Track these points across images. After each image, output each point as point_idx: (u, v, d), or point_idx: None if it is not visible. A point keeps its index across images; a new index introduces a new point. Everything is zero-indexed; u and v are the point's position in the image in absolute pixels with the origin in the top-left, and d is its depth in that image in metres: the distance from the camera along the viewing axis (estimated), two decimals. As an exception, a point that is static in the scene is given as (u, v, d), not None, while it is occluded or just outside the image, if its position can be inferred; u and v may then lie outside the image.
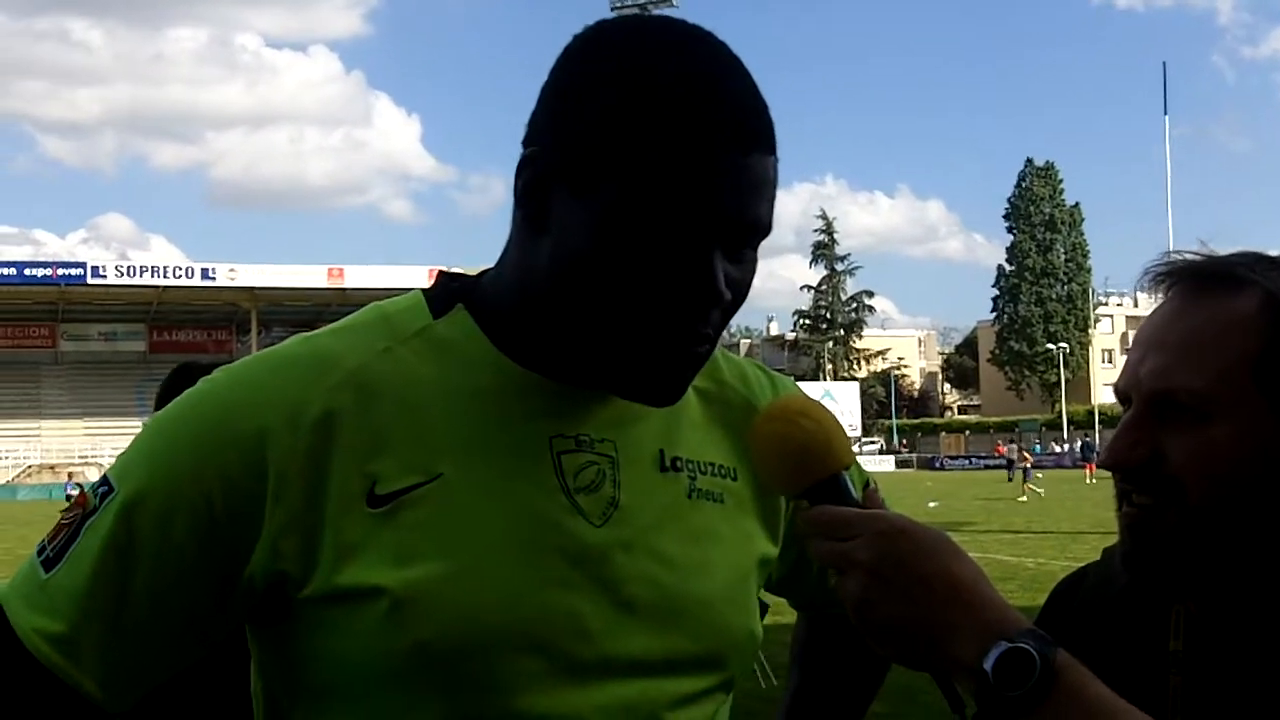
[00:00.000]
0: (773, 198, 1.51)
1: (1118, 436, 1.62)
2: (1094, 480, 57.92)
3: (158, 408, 6.90)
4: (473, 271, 1.66)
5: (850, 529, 1.40)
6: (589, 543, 1.53)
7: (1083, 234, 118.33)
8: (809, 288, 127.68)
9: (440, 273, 1.69)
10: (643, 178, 1.43)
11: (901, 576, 1.36)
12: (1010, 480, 59.50)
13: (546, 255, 1.51)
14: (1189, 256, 1.65)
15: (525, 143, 1.54)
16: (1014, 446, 71.73)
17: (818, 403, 1.53)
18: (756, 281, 1.49)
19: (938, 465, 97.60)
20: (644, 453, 1.62)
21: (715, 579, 1.61)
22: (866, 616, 1.38)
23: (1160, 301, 1.65)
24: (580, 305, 1.49)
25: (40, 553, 1.53)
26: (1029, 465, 55.29)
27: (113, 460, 1.62)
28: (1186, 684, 1.65)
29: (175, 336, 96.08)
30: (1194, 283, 1.62)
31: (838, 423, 1.50)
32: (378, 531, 1.47)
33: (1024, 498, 45.96)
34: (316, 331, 1.60)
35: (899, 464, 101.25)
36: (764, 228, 1.50)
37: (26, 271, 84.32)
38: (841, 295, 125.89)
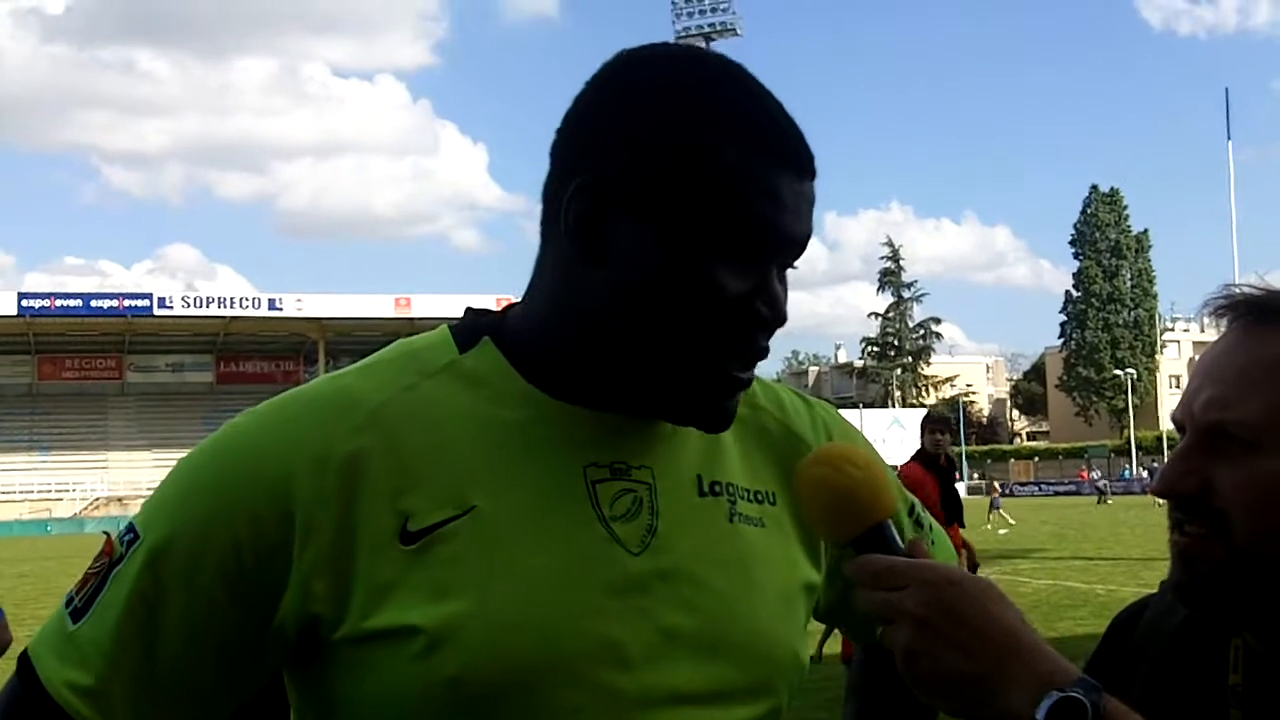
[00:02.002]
0: (813, 220, 1.54)
1: (1169, 465, 1.61)
2: (1161, 505, 58.02)
3: None
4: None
5: (897, 579, 1.37)
6: (628, 572, 1.50)
7: (1149, 260, 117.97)
8: (876, 315, 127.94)
9: (467, 309, 1.67)
10: (711, 202, 1.44)
11: (950, 626, 1.33)
12: (1098, 503, 60.16)
13: (605, 286, 1.48)
14: (1248, 290, 1.65)
15: (565, 170, 1.52)
16: (1097, 474, 73.69)
17: (866, 448, 1.52)
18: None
19: (1007, 492, 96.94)
20: (683, 478, 1.59)
21: (759, 604, 1.58)
22: (915, 667, 1.35)
23: (1220, 334, 1.65)
24: (646, 334, 1.47)
25: (68, 603, 1.51)
26: (997, 495, 57.32)
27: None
28: (1247, 718, 1.63)
29: (243, 367, 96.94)
30: (1251, 316, 1.62)
31: (885, 468, 1.48)
32: (411, 569, 1.44)
33: (989, 526, 46.62)
34: (343, 370, 1.58)
35: (970, 490, 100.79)
36: (806, 246, 1.53)
37: (93, 303, 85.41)
38: (909, 322, 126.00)
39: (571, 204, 1.48)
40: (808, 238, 1.51)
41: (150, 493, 1.51)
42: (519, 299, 1.63)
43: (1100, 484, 72.17)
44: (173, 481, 1.52)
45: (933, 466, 11.57)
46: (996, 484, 65.20)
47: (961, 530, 11.85)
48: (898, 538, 1.43)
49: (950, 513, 11.51)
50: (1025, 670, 1.32)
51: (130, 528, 1.51)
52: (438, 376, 1.55)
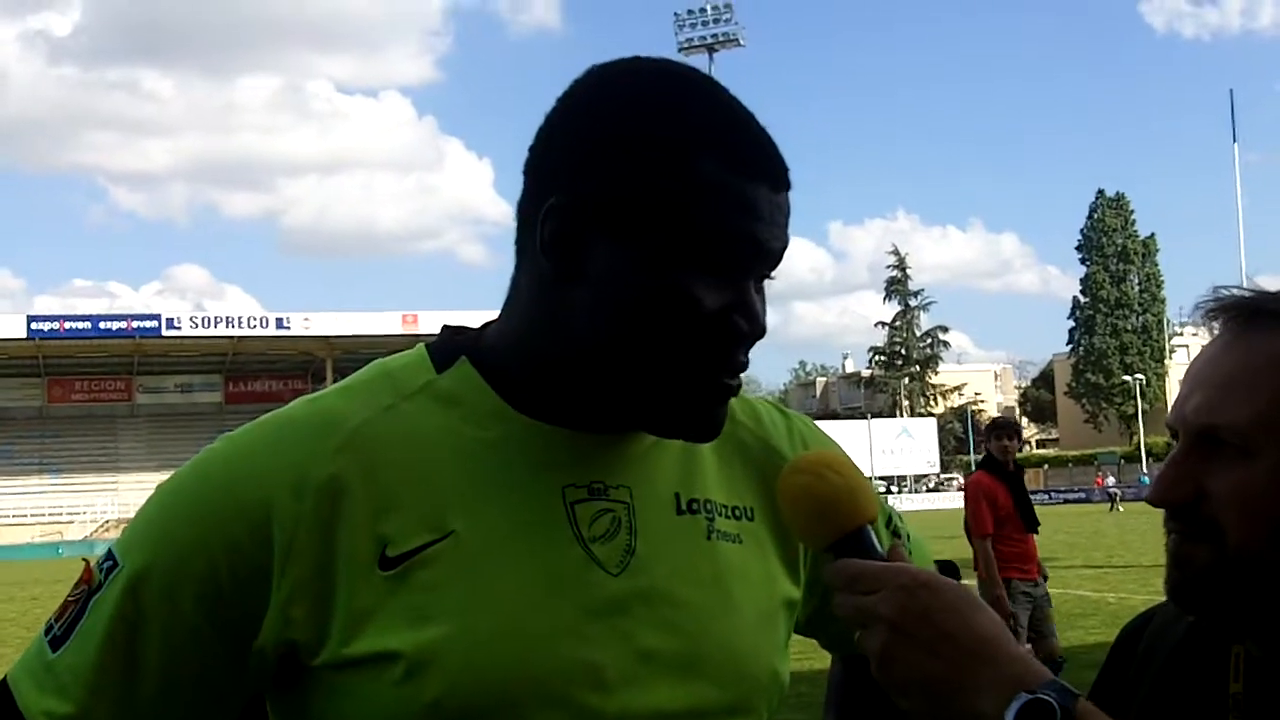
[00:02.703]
0: (788, 232, 1.54)
1: (1163, 473, 1.61)
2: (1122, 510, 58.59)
3: None
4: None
5: (873, 583, 1.38)
6: (607, 593, 1.50)
7: (1156, 264, 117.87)
8: (883, 324, 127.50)
9: (444, 326, 1.67)
10: (685, 217, 1.44)
11: (924, 631, 1.34)
12: (1110, 510, 60.10)
13: (584, 304, 1.48)
14: (1237, 292, 1.65)
15: (539, 188, 1.52)
16: (1112, 480, 73.91)
17: (844, 456, 1.53)
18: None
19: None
20: (661, 497, 1.59)
21: (737, 623, 1.58)
22: (889, 671, 1.36)
23: (1210, 338, 1.65)
24: (626, 350, 1.47)
25: (48, 631, 1.51)
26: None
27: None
28: None
29: (251, 386, 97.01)
30: (1241, 319, 1.62)
31: (863, 476, 1.49)
32: (391, 595, 1.44)
33: None
34: (321, 392, 1.58)
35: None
36: (782, 259, 1.53)
37: (102, 325, 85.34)
38: (916, 331, 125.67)
39: (546, 222, 1.48)
40: (784, 249, 1.51)
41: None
42: (501, 308, 1.62)
43: (1112, 490, 72.21)
44: (151, 507, 1.52)
45: (1002, 473, 11.36)
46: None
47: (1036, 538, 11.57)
48: (877, 544, 1.43)
49: (1026, 520, 11.29)
50: (996, 674, 1.32)
51: (109, 555, 1.51)
52: (415, 397, 1.55)
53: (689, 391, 1.49)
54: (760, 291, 1.51)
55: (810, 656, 1.72)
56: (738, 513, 1.65)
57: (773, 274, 1.53)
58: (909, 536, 1.89)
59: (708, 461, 1.66)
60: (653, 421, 1.53)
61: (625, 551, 1.53)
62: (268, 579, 1.44)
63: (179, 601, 1.45)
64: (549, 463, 1.54)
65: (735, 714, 1.57)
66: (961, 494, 12.40)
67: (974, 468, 13.58)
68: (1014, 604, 11.05)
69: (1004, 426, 11.87)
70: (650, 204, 1.45)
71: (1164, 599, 1.79)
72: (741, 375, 1.54)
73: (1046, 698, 1.29)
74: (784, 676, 1.65)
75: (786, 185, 1.51)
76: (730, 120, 1.50)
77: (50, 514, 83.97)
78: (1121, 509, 55.77)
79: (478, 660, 1.43)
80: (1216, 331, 1.65)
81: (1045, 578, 11.78)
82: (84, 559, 1.56)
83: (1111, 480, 77.56)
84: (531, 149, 1.55)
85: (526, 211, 1.53)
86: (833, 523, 1.43)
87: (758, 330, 1.49)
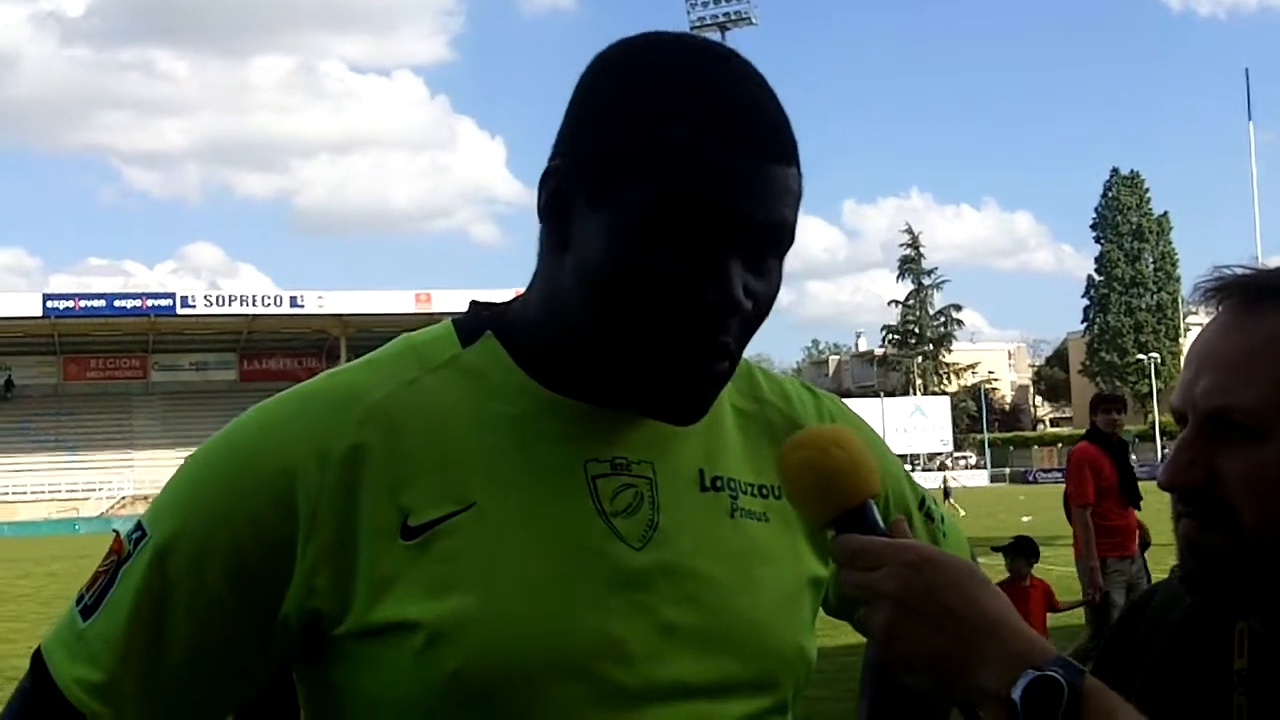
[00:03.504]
0: (793, 207, 1.48)
1: (1173, 457, 1.60)
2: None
3: None
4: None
5: (876, 559, 1.36)
6: (629, 566, 1.51)
7: (1171, 243, 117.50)
8: (896, 303, 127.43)
9: (472, 302, 1.69)
10: (657, 183, 1.42)
11: (928, 607, 1.33)
12: None
13: (569, 271, 1.49)
14: (1238, 271, 1.63)
15: (550, 160, 1.54)
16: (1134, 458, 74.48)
17: (849, 431, 1.49)
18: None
19: (1030, 479, 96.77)
20: (684, 473, 1.59)
21: (761, 598, 1.58)
22: (893, 648, 1.35)
23: (1212, 317, 1.64)
24: (602, 319, 1.47)
25: (79, 601, 1.53)
26: (949, 484, 57.78)
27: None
28: (1251, 703, 1.62)
29: (266, 364, 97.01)
30: (1244, 298, 1.60)
31: (867, 451, 1.46)
32: (412, 564, 1.46)
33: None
34: (345, 366, 1.60)
35: (993, 479, 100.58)
36: (783, 236, 1.49)
37: (116, 303, 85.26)
38: (929, 309, 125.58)
39: (542, 188, 1.51)
40: (775, 225, 1.47)
41: (173, 491, 1.62)
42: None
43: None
44: (179, 479, 1.56)
45: (1107, 445, 11.34)
46: (949, 474, 65.50)
47: (1138, 513, 11.57)
48: (879, 519, 1.41)
49: (1129, 494, 11.29)
50: (1001, 650, 1.30)
51: (139, 525, 1.53)
52: (439, 371, 1.56)
53: (666, 371, 1.48)
54: (761, 270, 1.48)
55: (825, 634, 1.71)
56: (764, 491, 1.65)
57: (774, 250, 1.50)
58: (943, 520, 1.91)
59: (733, 440, 1.66)
60: (634, 397, 1.52)
61: (648, 526, 1.53)
62: (292, 549, 1.46)
63: (205, 571, 1.47)
64: (571, 437, 1.54)
65: (759, 689, 1.57)
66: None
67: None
68: (1108, 582, 11.03)
69: (1109, 400, 11.90)
70: (619, 168, 1.44)
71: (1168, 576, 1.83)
72: (728, 359, 1.51)
73: (1053, 674, 1.28)
74: (811, 653, 1.64)
75: (780, 157, 1.47)
76: (720, 88, 1.46)
77: (66, 490, 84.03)
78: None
79: (498, 632, 1.44)
80: (1219, 312, 1.63)
81: (1147, 545, 11.76)
82: (114, 530, 1.66)
83: (1135, 458, 78.15)
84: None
85: (539, 180, 1.54)
86: (835, 498, 1.41)
87: (730, 304, 1.45)
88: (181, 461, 1.53)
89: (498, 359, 1.57)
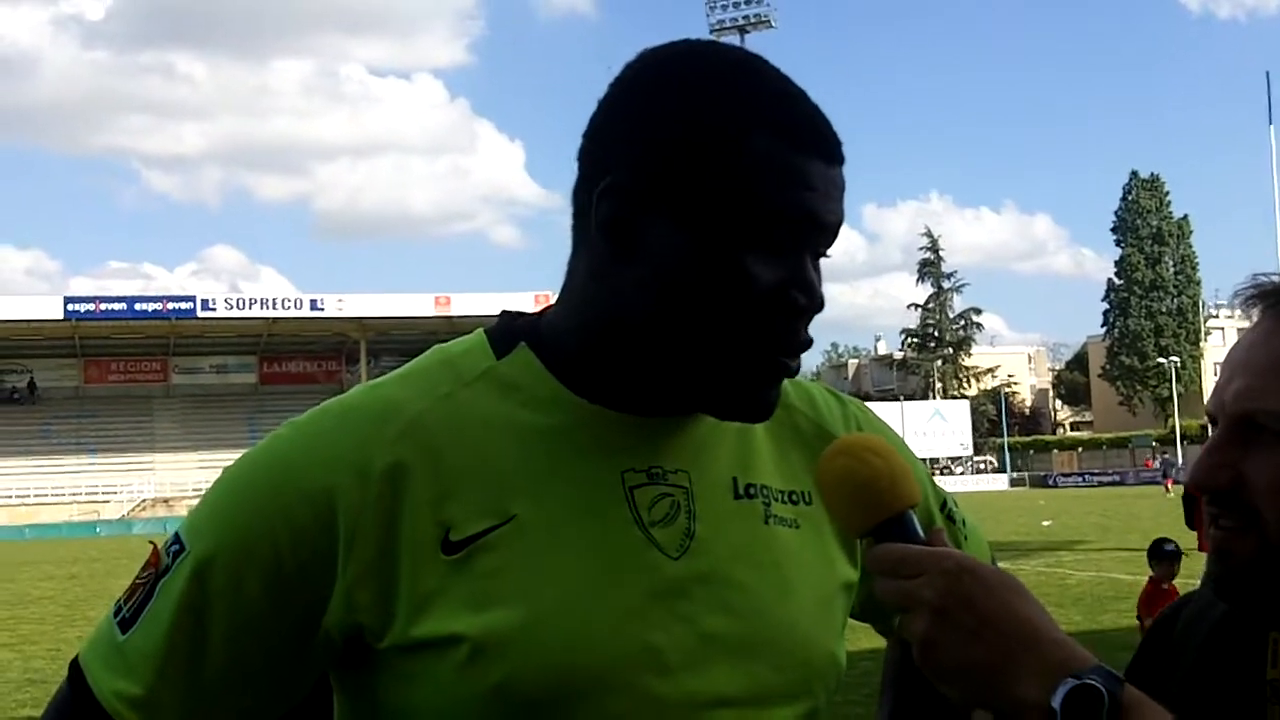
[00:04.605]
0: (843, 206, 1.54)
1: (1201, 459, 1.60)
2: (1172, 494, 59.17)
3: None
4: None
5: (915, 567, 1.36)
6: (667, 576, 1.51)
7: (1191, 246, 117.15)
8: (916, 306, 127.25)
9: (503, 312, 1.69)
10: (740, 193, 1.45)
11: (967, 616, 1.32)
12: (1168, 493, 60.95)
13: (638, 284, 1.49)
14: (1276, 279, 1.64)
15: (594, 171, 1.52)
16: (1165, 460, 74.65)
17: (885, 439, 1.51)
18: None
19: (1050, 483, 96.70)
20: (718, 482, 1.60)
21: (796, 606, 1.59)
22: (932, 656, 1.34)
23: (1251, 324, 1.65)
24: (683, 330, 1.48)
25: (116, 613, 1.54)
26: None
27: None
28: None
29: (286, 367, 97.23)
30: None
31: (905, 460, 1.46)
32: (454, 578, 1.46)
33: None
34: (381, 379, 1.60)
35: (1013, 483, 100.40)
36: (838, 233, 1.53)
37: (137, 306, 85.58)
38: (949, 313, 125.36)
39: (602, 203, 1.49)
40: (839, 224, 1.52)
41: (196, 494, 1.60)
42: (556, 295, 1.65)
43: (1168, 466, 72.61)
44: (217, 492, 1.55)
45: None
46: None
47: None
48: (918, 528, 1.41)
49: None
50: (1041, 659, 1.30)
51: (176, 539, 1.53)
52: (475, 384, 1.56)
53: (745, 370, 1.50)
54: (817, 268, 1.52)
55: (847, 638, 1.70)
56: (794, 497, 1.66)
57: (829, 251, 1.54)
58: (964, 522, 1.91)
59: (763, 447, 1.67)
60: (708, 401, 1.53)
61: (684, 535, 1.54)
62: (333, 564, 1.46)
63: (245, 587, 1.47)
64: (608, 447, 1.55)
65: (795, 698, 1.57)
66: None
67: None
68: None
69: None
70: (704, 180, 1.46)
71: (1198, 581, 1.83)
72: (798, 354, 1.54)
73: (1093, 682, 1.27)
74: (842, 660, 1.64)
75: (840, 159, 1.51)
76: (781, 96, 1.50)
77: (87, 493, 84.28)
78: (1171, 493, 56.61)
79: (541, 644, 1.44)
80: (1256, 319, 1.64)
81: None
82: (150, 541, 1.62)
83: (1159, 462, 78.30)
84: (585, 135, 1.56)
85: (581, 197, 1.54)
86: (874, 507, 1.41)
87: (816, 303, 1.49)
88: (202, 465, 1.56)
89: (532, 369, 1.57)
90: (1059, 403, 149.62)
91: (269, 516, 1.48)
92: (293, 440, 1.54)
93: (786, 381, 1.71)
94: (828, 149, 1.50)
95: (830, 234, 1.51)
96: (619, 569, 1.50)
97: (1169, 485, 66.39)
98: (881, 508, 1.41)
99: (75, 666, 1.54)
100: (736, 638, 1.53)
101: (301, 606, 1.48)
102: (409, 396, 1.54)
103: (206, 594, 1.48)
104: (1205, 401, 1.60)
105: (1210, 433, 1.64)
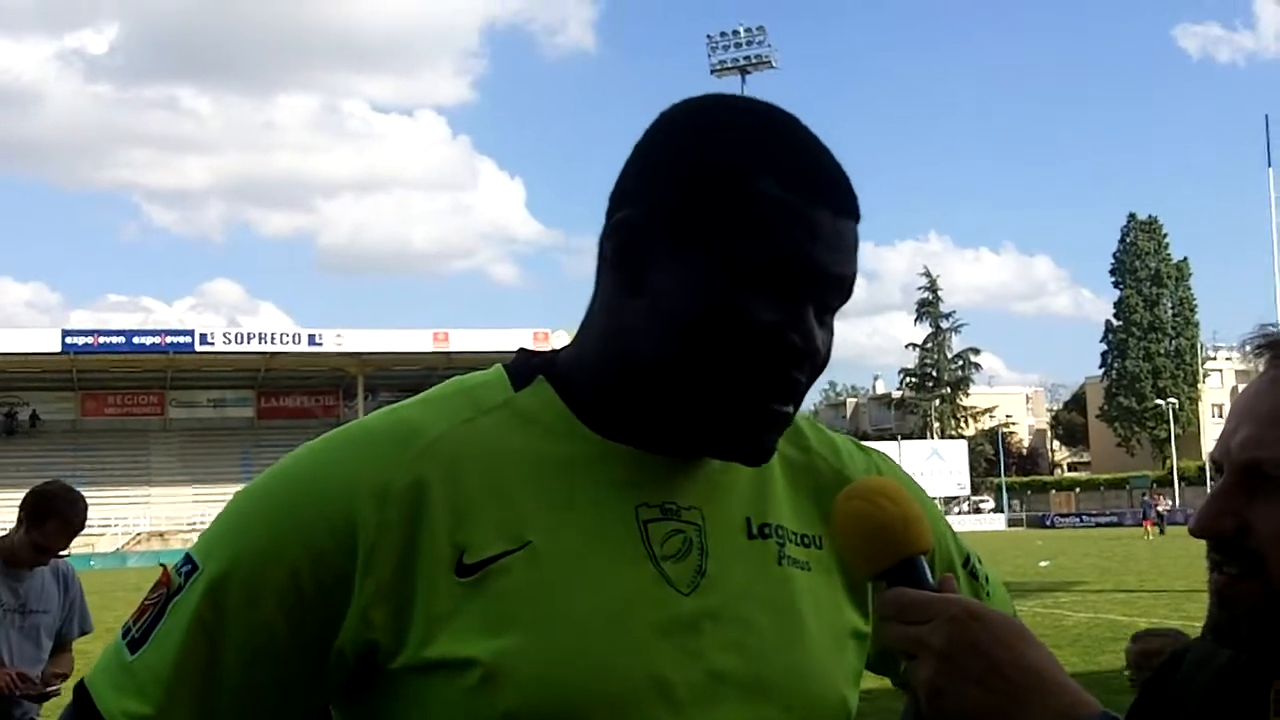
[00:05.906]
0: (856, 262, 1.54)
1: (1206, 505, 1.61)
2: (1151, 538, 60.37)
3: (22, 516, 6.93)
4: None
5: (923, 612, 1.36)
6: (678, 612, 1.51)
7: (1190, 288, 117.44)
8: (914, 346, 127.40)
9: (520, 349, 1.70)
10: (745, 234, 1.46)
11: (975, 663, 1.33)
12: (1147, 536, 61.81)
13: (642, 317, 1.51)
14: None
15: (611, 209, 1.56)
16: (1145, 501, 75.39)
17: (901, 486, 1.50)
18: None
19: (1048, 523, 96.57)
20: (732, 520, 1.60)
21: (806, 647, 1.59)
22: (938, 702, 1.35)
23: (1258, 373, 1.65)
24: (678, 364, 1.49)
25: (125, 634, 1.53)
26: None
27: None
28: None
29: (283, 402, 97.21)
30: None
31: (919, 507, 1.47)
32: (467, 601, 1.46)
33: None
34: (400, 404, 1.60)
35: (1010, 523, 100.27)
36: (848, 290, 1.53)
37: (136, 340, 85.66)
38: (948, 353, 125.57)
39: (614, 235, 1.53)
40: (848, 278, 1.52)
41: (191, 528, 1.59)
42: (556, 332, 1.65)
43: (1160, 509, 73.29)
44: (232, 512, 1.55)
45: None
46: None
47: None
48: (929, 574, 1.42)
49: None
50: (1046, 705, 1.31)
51: (188, 559, 1.53)
52: (494, 413, 1.57)
53: (740, 412, 1.50)
54: (826, 323, 1.53)
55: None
56: (807, 540, 1.66)
57: (838, 303, 1.54)
58: (988, 579, 1.90)
59: (780, 488, 1.67)
60: (705, 441, 1.54)
61: (696, 572, 1.54)
62: (350, 583, 1.46)
63: (260, 606, 1.47)
64: (623, 482, 1.55)
65: None
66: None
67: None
68: None
69: None
70: (708, 218, 1.48)
71: (1198, 622, 1.83)
72: (794, 402, 1.54)
73: None
74: (852, 705, 1.64)
75: (852, 214, 1.52)
76: (794, 144, 1.52)
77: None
78: (1164, 532, 57.11)
79: (551, 673, 1.44)
80: (1263, 368, 1.64)
81: None
82: (161, 564, 1.61)
83: (1162, 503, 79.19)
84: (614, 186, 1.59)
85: (601, 235, 1.57)
86: (885, 550, 1.42)
87: (812, 349, 1.49)
88: (197, 498, 1.54)
89: (550, 403, 1.58)
90: (1057, 443, 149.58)
91: (287, 536, 1.48)
92: (311, 461, 1.54)
93: (809, 427, 1.75)
94: (837, 201, 1.51)
95: (835, 286, 1.51)
96: (631, 602, 1.50)
97: (1148, 527, 67.24)
98: (892, 552, 1.41)
99: (82, 689, 1.53)
100: (746, 676, 1.53)
101: (317, 624, 1.47)
102: (430, 419, 1.55)
103: (220, 613, 1.48)
104: (1202, 443, 1.68)
105: (1214, 479, 1.65)
